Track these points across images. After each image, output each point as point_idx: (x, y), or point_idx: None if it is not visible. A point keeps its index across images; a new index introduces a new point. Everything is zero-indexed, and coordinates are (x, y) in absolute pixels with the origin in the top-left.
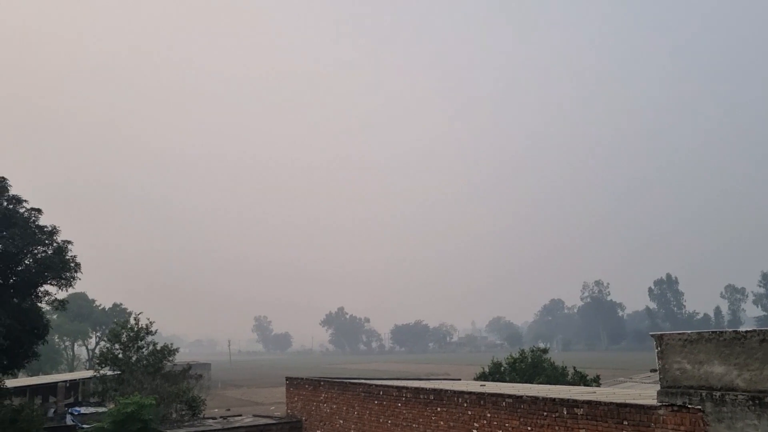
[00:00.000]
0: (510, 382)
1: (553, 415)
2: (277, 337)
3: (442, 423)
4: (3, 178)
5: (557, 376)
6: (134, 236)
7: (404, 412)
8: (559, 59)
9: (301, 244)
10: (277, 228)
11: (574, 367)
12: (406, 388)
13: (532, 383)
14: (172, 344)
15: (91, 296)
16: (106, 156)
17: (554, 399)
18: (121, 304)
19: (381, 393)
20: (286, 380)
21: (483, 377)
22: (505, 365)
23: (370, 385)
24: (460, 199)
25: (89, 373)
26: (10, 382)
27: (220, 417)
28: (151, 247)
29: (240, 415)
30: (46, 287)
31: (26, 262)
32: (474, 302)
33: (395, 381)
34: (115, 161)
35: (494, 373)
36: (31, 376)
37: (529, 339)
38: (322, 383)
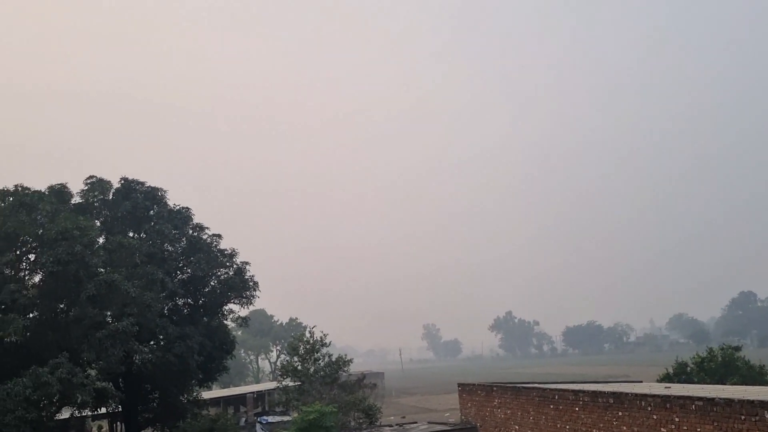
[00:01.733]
0: (698, 383)
1: (753, 419)
2: (446, 344)
3: (624, 428)
4: (187, 207)
5: (754, 376)
6: (301, 251)
7: (583, 416)
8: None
9: (460, 249)
10: (436, 234)
11: None
12: (583, 391)
13: (724, 384)
14: (345, 355)
15: (269, 312)
16: (265, 173)
17: (753, 401)
18: (296, 318)
19: (556, 397)
20: (459, 386)
21: (667, 379)
22: (692, 365)
23: (545, 389)
24: (628, 192)
25: (273, 385)
26: (206, 394)
27: (396, 424)
28: (320, 263)
29: (415, 423)
30: (230, 306)
31: (212, 283)
32: (651, 299)
33: (571, 384)
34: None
35: (679, 374)
36: (223, 388)
37: (718, 336)
38: (494, 388)
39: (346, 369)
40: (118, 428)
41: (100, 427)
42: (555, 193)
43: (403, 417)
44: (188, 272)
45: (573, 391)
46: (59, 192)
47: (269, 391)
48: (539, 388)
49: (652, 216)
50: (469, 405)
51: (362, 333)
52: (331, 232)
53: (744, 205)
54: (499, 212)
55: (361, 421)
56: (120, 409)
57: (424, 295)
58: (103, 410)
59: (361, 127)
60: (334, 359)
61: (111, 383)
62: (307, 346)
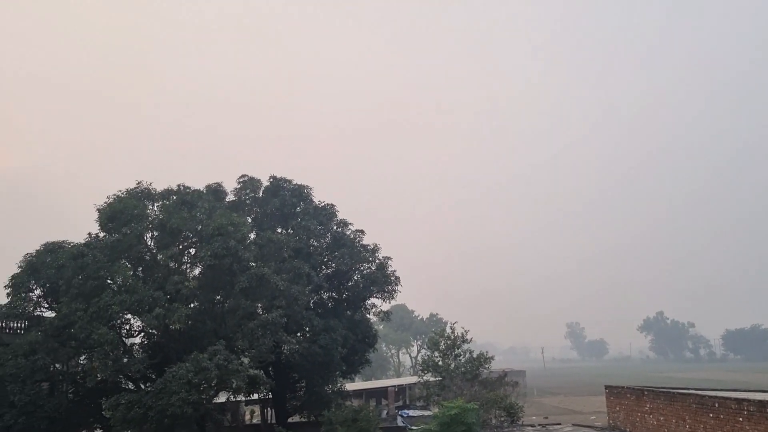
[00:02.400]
0: None
1: None
2: (591, 344)
3: None
4: (332, 204)
5: None
6: (441, 248)
7: (747, 428)
8: None
9: (604, 244)
10: (579, 228)
11: None
12: (748, 400)
13: None
14: (487, 352)
15: (410, 307)
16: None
17: None
18: (437, 314)
19: (716, 405)
20: (606, 388)
21: None
22: None
23: (703, 396)
24: None
25: (414, 379)
26: (350, 386)
27: (539, 425)
28: (462, 260)
29: (559, 424)
30: (373, 300)
31: (355, 278)
32: None
33: (733, 392)
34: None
35: None
36: (365, 381)
37: None
38: (645, 393)
39: (487, 366)
40: (269, 414)
41: (252, 412)
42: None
43: (546, 417)
44: (332, 267)
45: (736, 399)
46: (215, 190)
47: (410, 386)
48: (696, 395)
49: None
50: (618, 409)
51: (503, 330)
52: (472, 229)
53: None
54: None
55: (502, 419)
56: (270, 396)
57: (568, 293)
58: (255, 396)
59: (491, 123)
60: (474, 356)
61: (262, 371)
62: (448, 342)
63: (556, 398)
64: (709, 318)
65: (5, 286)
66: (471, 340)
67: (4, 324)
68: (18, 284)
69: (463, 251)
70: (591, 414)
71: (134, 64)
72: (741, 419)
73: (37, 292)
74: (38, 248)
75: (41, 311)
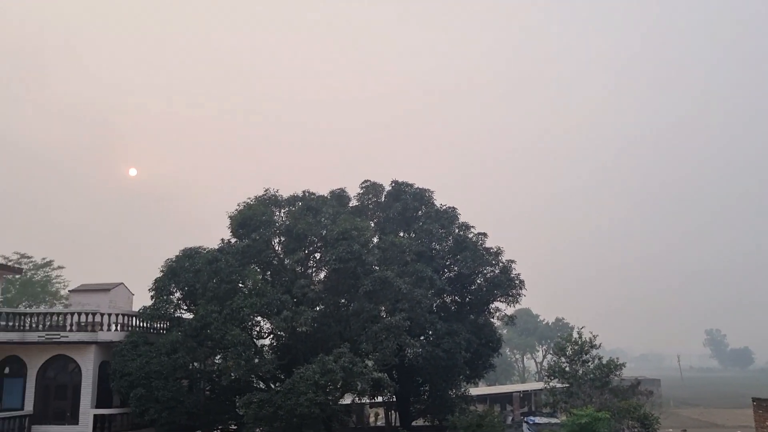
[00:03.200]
0: None
1: None
2: (734, 352)
3: None
4: (453, 207)
5: None
6: (571, 251)
7: None
8: None
9: (750, 242)
10: (719, 227)
11: None
12: None
13: None
14: (617, 358)
15: (534, 312)
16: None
17: None
18: (563, 318)
19: None
20: (753, 401)
21: None
22: None
23: None
24: None
25: (539, 385)
26: (474, 391)
27: None
28: (586, 262)
29: None
30: (496, 304)
31: (478, 281)
32: None
33: None
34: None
35: None
36: (489, 386)
37: None
38: None
39: (617, 373)
40: (393, 417)
41: (377, 414)
42: None
43: (684, 430)
44: (455, 270)
45: None
46: (339, 196)
47: (535, 392)
48: None
49: None
50: (767, 424)
51: (634, 336)
52: (605, 235)
53: None
54: None
55: (635, 430)
56: (394, 399)
57: (708, 296)
58: (379, 399)
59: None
60: (604, 362)
61: (386, 374)
62: (576, 347)
63: (696, 410)
64: None
65: (150, 289)
66: (600, 346)
67: (149, 324)
68: (160, 287)
69: (595, 255)
70: (736, 428)
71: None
72: None
73: (177, 294)
74: (177, 254)
75: (181, 313)
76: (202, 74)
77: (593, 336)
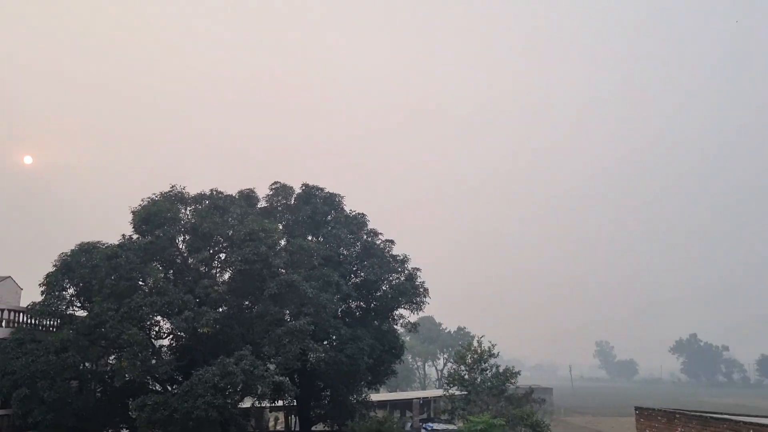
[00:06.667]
0: None
1: None
2: (621, 364)
3: None
4: (362, 213)
5: None
6: (470, 262)
7: None
8: None
9: (639, 263)
10: (611, 246)
11: None
12: None
13: None
14: (513, 367)
15: (438, 320)
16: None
17: None
18: (465, 327)
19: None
20: (636, 410)
21: None
22: None
23: (737, 421)
24: None
25: (439, 392)
26: (374, 397)
27: None
28: (488, 271)
29: None
30: (401, 311)
31: (383, 288)
32: None
33: None
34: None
35: None
36: (390, 392)
37: None
38: (677, 416)
39: (513, 381)
40: (293, 421)
41: (276, 419)
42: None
43: None
44: (362, 276)
45: None
46: (248, 196)
47: (435, 398)
48: (731, 420)
49: None
50: (648, 431)
51: (530, 347)
52: (505, 244)
53: None
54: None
55: None
56: (295, 403)
57: (599, 311)
58: (280, 403)
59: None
60: (501, 371)
61: (287, 378)
62: (475, 356)
63: (584, 418)
64: (744, 342)
65: (40, 284)
66: (498, 355)
67: (37, 321)
68: (52, 283)
69: (495, 266)
70: None
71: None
72: None
73: (71, 291)
74: (73, 248)
75: (74, 310)
76: (107, 61)
77: (492, 345)
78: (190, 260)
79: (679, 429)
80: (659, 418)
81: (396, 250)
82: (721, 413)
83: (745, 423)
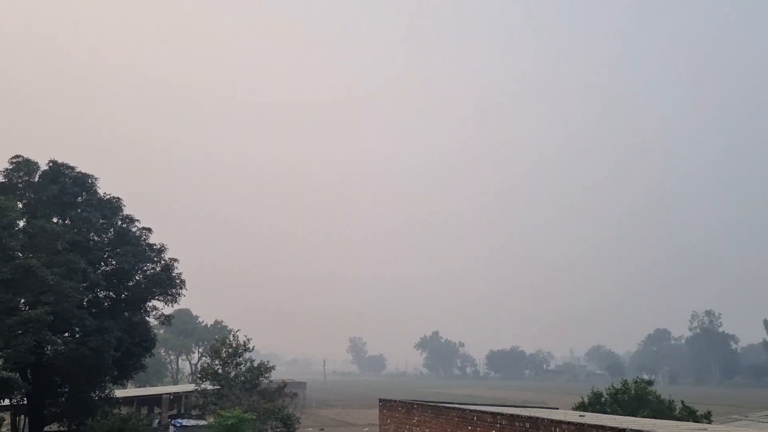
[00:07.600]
0: (611, 414)
1: None
2: (371, 359)
3: None
4: (118, 198)
5: (663, 411)
6: (227, 256)
7: None
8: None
9: (394, 263)
10: (369, 246)
11: (683, 402)
12: (501, 414)
13: (635, 416)
14: (268, 362)
15: (194, 313)
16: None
17: None
18: (222, 321)
19: (475, 419)
20: (380, 402)
21: (582, 407)
22: (606, 396)
23: (465, 410)
24: (555, 225)
25: (191, 387)
26: (120, 392)
27: None
28: (244, 266)
29: None
30: (155, 302)
31: (137, 278)
32: (572, 330)
33: (490, 407)
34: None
35: (594, 404)
36: (139, 387)
37: (632, 370)
38: (415, 406)
39: (267, 376)
40: (21, 422)
41: (1, 420)
42: (501, 223)
43: (322, 429)
44: (113, 264)
45: (492, 413)
46: None
47: (187, 393)
48: (459, 409)
49: (592, 260)
50: (389, 421)
51: (288, 341)
52: (269, 240)
53: (674, 253)
54: (440, 230)
55: (278, 430)
56: (25, 402)
57: (354, 307)
58: (6, 402)
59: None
60: (256, 365)
61: (18, 373)
62: (230, 350)
63: (334, 410)
64: (478, 339)
65: None
66: (253, 349)
67: None
68: None
69: (253, 262)
70: (365, 426)
71: None
72: (494, 431)
73: None
74: None
75: None
76: None
77: (248, 339)
78: None
79: (416, 418)
80: (399, 408)
81: (153, 239)
82: (453, 402)
83: (471, 411)
